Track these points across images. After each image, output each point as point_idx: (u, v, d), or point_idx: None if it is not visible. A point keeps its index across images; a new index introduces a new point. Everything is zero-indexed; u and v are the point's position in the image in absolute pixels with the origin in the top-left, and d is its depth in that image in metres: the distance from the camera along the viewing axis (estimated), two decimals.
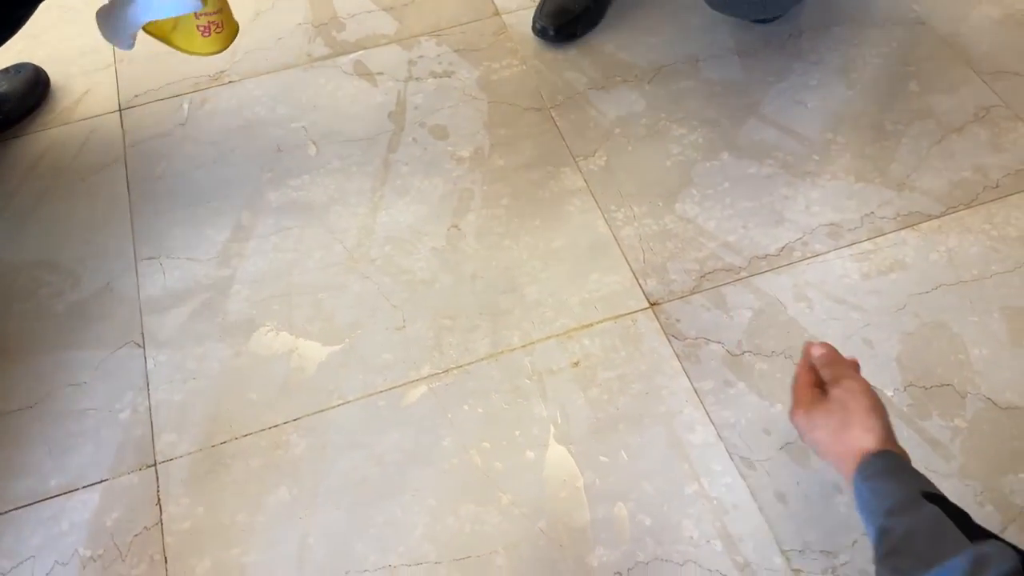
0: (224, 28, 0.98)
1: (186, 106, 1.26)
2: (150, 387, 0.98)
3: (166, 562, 0.86)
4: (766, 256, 1.04)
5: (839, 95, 1.19)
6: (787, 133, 1.16)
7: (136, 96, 1.28)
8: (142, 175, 1.17)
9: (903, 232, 1.05)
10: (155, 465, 0.93)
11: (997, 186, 1.08)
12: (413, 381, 0.97)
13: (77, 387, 0.99)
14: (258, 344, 1.01)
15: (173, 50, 1.00)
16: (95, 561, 0.86)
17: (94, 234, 1.11)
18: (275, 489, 0.90)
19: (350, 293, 1.05)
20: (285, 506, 0.89)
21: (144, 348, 1.01)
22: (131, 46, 0.97)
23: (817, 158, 1.13)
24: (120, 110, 1.26)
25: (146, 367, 1.00)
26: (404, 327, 1.02)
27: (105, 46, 1.33)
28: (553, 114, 1.21)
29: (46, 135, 1.23)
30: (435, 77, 1.28)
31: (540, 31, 1.29)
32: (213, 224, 1.11)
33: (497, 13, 1.35)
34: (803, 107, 1.18)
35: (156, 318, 1.03)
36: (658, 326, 1.00)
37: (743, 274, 1.03)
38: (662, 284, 1.03)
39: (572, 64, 1.27)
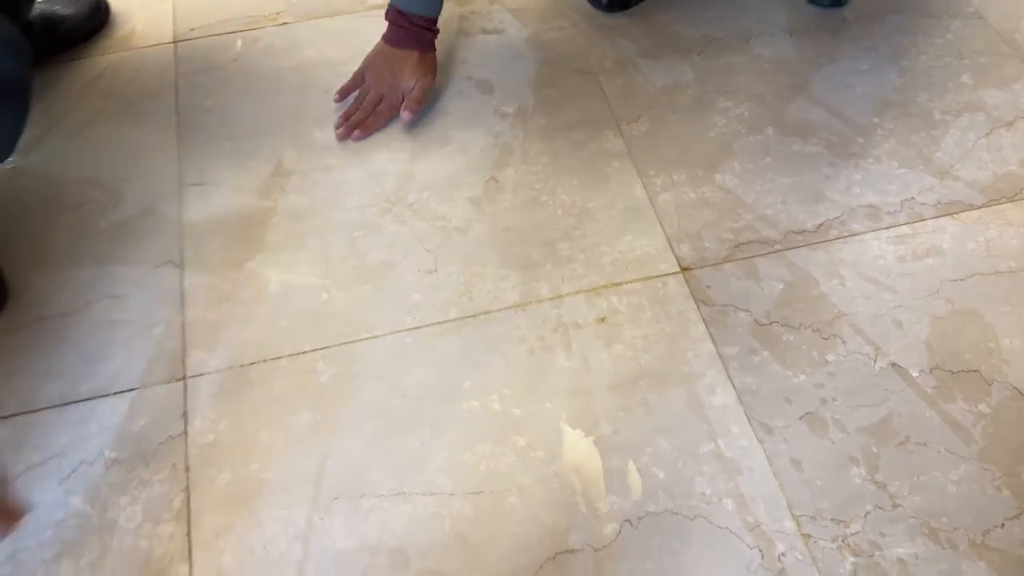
0: None
1: (239, 43, 1.28)
2: (185, 305, 1.00)
3: (188, 471, 0.89)
4: (803, 232, 1.04)
5: (889, 82, 1.18)
6: (834, 114, 1.15)
7: (192, 29, 1.30)
8: (192, 105, 1.19)
9: (942, 220, 1.04)
10: (184, 379, 0.95)
11: None
12: (440, 323, 0.98)
13: (114, 299, 1.01)
14: (292, 274, 1.02)
15: None
16: (119, 464, 0.89)
17: (141, 157, 1.14)
18: (298, 412, 0.92)
19: (385, 234, 1.06)
20: (307, 429, 0.91)
21: (182, 268, 1.03)
22: None
23: (862, 141, 1.12)
24: (175, 42, 1.28)
25: (182, 286, 1.02)
26: (436, 271, 1.03)
27: None
28: (600, 78, 1.22)
29: (102, 59, 1.25)
30: (485, 33, 1.28)
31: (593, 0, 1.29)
32: (257, 157, 1.13)
33: None
34: (852, 90, 1.18)
35: (195, 241, 1.06)
36: (688, 291, 1.00)
37: (777, 247, 1.03)
38: (695, 251, 1.03)
39: (623, 31, 1.27)
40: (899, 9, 1.27)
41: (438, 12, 1.12)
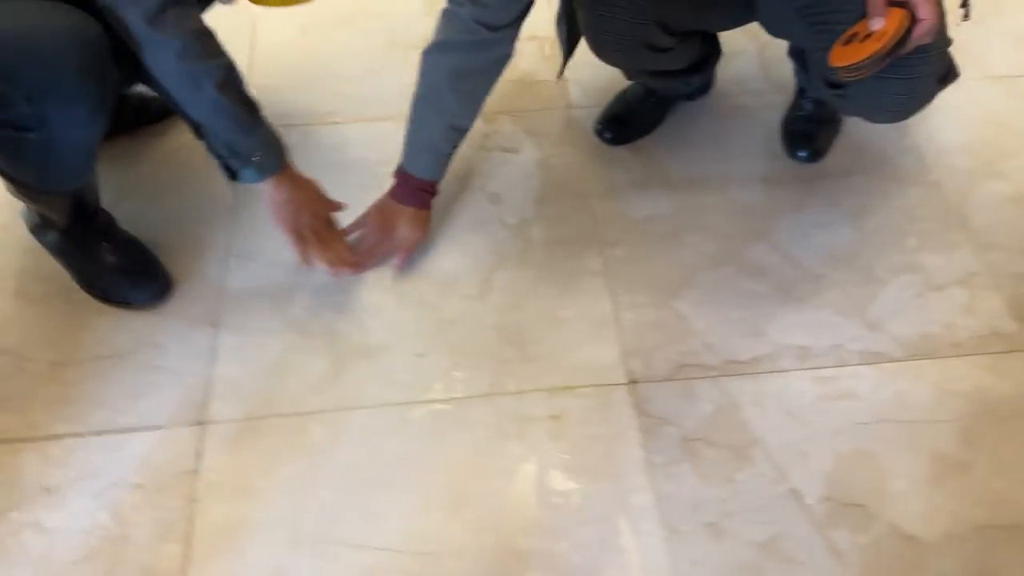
0: None
1: (295, 135, 1.51)
2: (216, 361, 1.21)
3: (193, 502, 1.08)
4: (739, 362, 1.21)
5: (843, 237, 1.35)
6: (788, 261, 1.32)
7: None
8: (246, 187, 1.42)
9: (864, 367, 1.20)
10: (204, 424, 1.15)
11: (960, 345, 1.22)
12: (420, 401, 1.17)
13: (158, 348, 1.23)
14: (303, 345, 1.23)
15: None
16: (141, 489, 1.09)
17: (200, 226, 1.36)
18: (290, 464, 1.12)
19: (387, 316, 1.26)
20: (295, 480, 1.10)
21: (217, 329, 1.25)
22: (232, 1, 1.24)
23: (808, 287, 1.29)
24: None
25: (216, 344, 1.23)
26: (424, 355, 1.22)
27: (245, 63, 1.60)
28: (593, 202, 1.41)
29: (180, 137, 1.49)
30: (503, 151, 1.49)
31: (598, 132, 1.49)
32: None
33: (570, 106, 1.56)
34: (808, 240, 1.35)
35: (232, 305, 1.27)
36: (631, 401, 1.17)
37: (714, 373, 1.20)
38: (644, 366, 1.21)
39: (621, 162, 1.47)
40: (866, 171, 1.44)
41: (439, 178, 1.29)
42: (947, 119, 1.52)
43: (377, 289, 1.30)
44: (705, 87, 1.54)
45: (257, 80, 1.59)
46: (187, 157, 1.46)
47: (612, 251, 1.34)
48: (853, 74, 0.99)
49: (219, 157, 1.16)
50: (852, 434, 1.14)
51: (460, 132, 1.27)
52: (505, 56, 1.22)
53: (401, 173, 1.30)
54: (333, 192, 1.39)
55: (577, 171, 1.46)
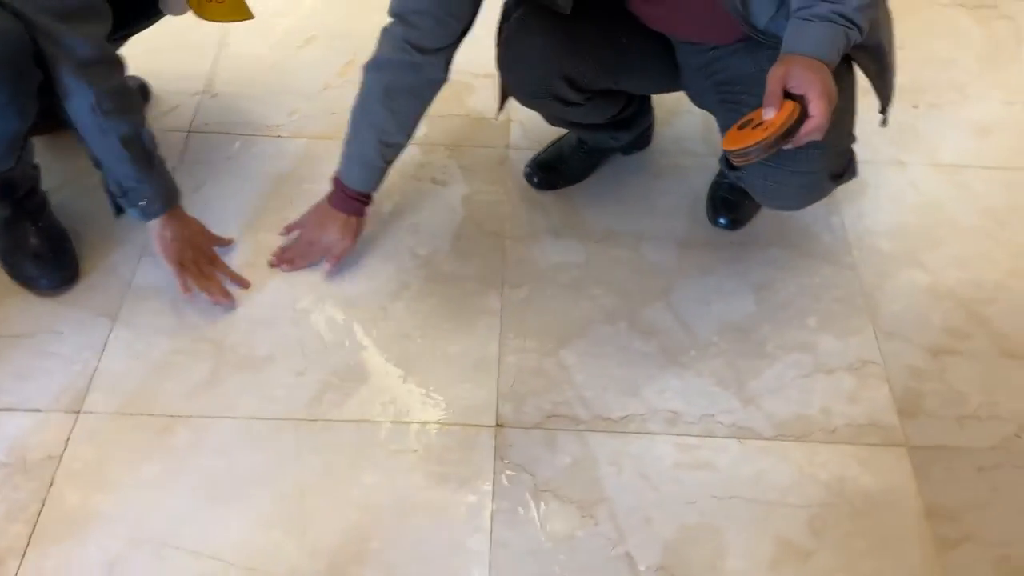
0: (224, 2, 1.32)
1: (237, 144, 1.56)
2: (104, 354, 1.26)
3: (51, 486, 1.12)
4: (608, 419, 1.22)
5: (742, 308, 1.35)
6: (681, 324, 1.33)
7: (206, 124, 1.59)
8: (185, 188, 1.47)
9: (729, 441, 1.20)
10: (79, 413, 1.19)
11: (833, 432, 1.21)
12: (288, 419, 1.20)
13: (56, 334, 1.27)
14: (191, 349, 1.26)
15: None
16: (3, 467, 1.13)
17: (122, 223, 1.41)
18: (150, 464, 1.15)
19: (278, 331, 1.29)
20: (150, 479, 1.14)
21: (114, 323, 1.29)
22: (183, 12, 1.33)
23: (694, 353, 1.29)
24: (189, 132, 1.57)
25: (109, 337, 1.27)
26: (303, 374, 1.25)
27: (200, 74, 1.66)
28: (507, 243, 1.43)
29: None
30: (433, 183, 1.52)
31: (527, 175, 1.51)
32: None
33: (508, 146, 1.59)
34: (707, 307, 1.35)
35: (133, 302, 1.31)
36: (493, 444, 1.19)
37: (582, 427, 1.21)
38: (515, 411, 1.22)
39: (543, 207, 1.49)
40: (785, 244, 1.44)
41: (371, 189, 1.32)
42: (881, 200, 1.52)
43: (274, 305, 1.33)
44: (639, 144, 1.55)
45: (217, 87, 1.65)
46: None
47: (514, 293, 1.36)
48: (740, 159, 1.00)
49: (109, 193, 1.24)
50: (702, 506, 1.13)
51: (392, 148, 1.29)
52: (436, 81, 1.23)
53: (337, 181, 1.33)
54: (254, 203, 1.44)
55: (498, 211, 1.48)
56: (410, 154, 1.51)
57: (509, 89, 1.28)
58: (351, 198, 1.32)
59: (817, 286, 1.39)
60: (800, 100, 0.96)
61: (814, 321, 1.34)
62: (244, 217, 1.43)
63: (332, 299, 1.34)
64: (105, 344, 1.27)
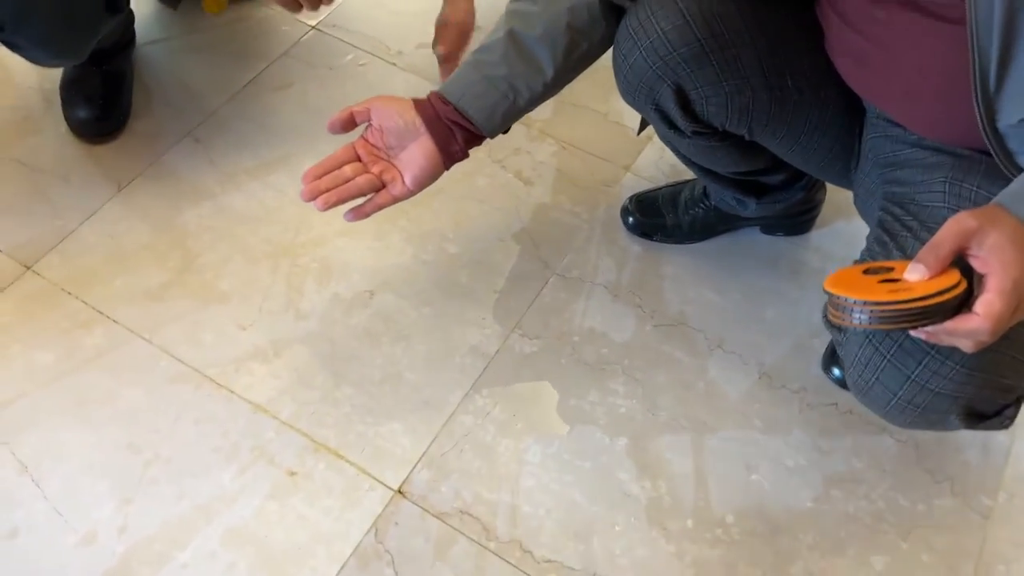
0: None
1: (349, 57, 1.39)
2: (88, 220, 1.16)
3: None
4: (528, 553, 0.92)
5: (795, 498, 0.96)
6: (697, 480, 0.97)
7: (333, 25, 1.43)
8: (273, 78, 1.34)
9: None
10: (28, 268, 1.11)
11: None
12: (194, 370, 1.03)
13: (63, 181, 1.20)
14: (161, 252, 1.14)
15: None
16: None
17: (183, 97, 1.31)
18: (45, 351, 1.04)
19: (252, 272, 1.12)
20: (35, 367, 1.03)
21: (119, 193, 1.19)
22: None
23: (690, 525, 0.94)
24: (312, 28, 1.43)
25: (103, 207, 1.18)
26: (246, 329, 1.07)
27: None
28: (551, 279, 1.14)
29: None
30: (516, 176, 1.25)
31: (623, 211, 1.19)
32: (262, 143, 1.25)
33: (628, 168, 1.27)
34: (746, 477, 0.98)
35: (146, 180, 1.21)
36: (378, 510, 0.94)
37: (491, 547, 0.92)
38: (427, 486, 0.96)
39: (620, 254, 1.17)
40: (901, 436, 1.01)
41: (483, 125, 0.84)
42: None
43: (269, 240, 1.16)
44: (787, 226, 1.17)
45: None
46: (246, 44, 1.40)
47: (520, 344, 1.08)
48: (837, 315, 0.63)
49: None
50: None
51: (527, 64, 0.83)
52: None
53: (434, 94, 0.85)
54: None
55: (566, 238, 1.19)
56: (514, 132, 1.25)
57: (615, 72, 0.88)
58: (451, 123, 0.83)
59: (918, 516, 0.95)
60: (972, 279, 0.58)
61: (881, 563, 0.92)
62: (309, 136, 1.26)
63: (324, 259, 1.14)
64: (96, 211, 1.18)
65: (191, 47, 1.38)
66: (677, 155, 1.04)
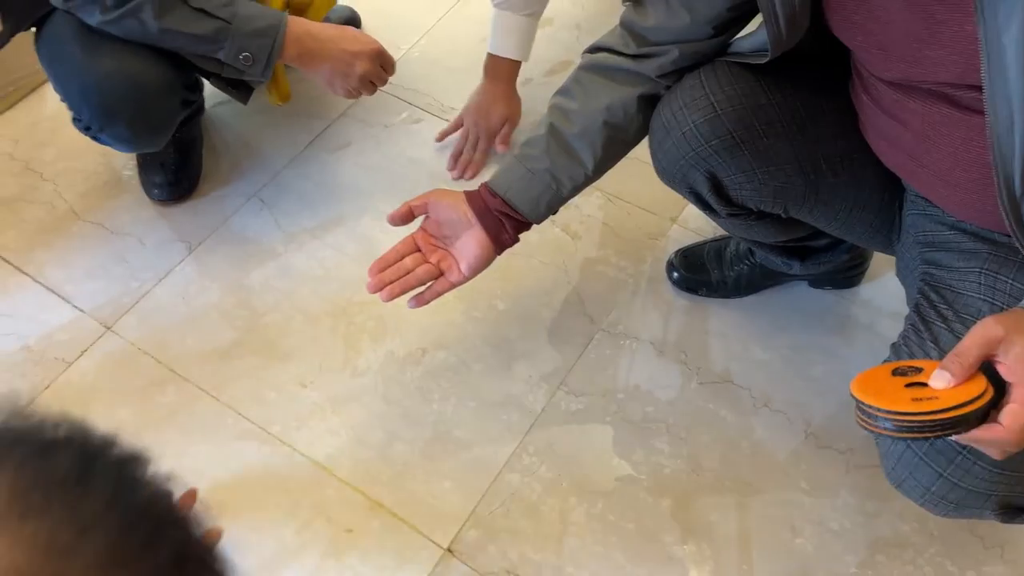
0: (276, 89, 1.24)
1: (404, 115, 1.44)
2: (163, 281, 1.24)
3: (46, 389, 1.14)
4: None
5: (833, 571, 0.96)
6: (740, 539, 0.98)
7: (391, 82, 1.49)
8: (331, 137, 1.40)
9: None
10: (108, 329, 1.20)
11: None
12: (257, 427, 1.10)
13: (139, 244, 1.29)
14: (230, 311, 1.21)
15: None
16: (27, 351, 1.17)
17: (250, 163, 1.38)
18: (126, 407, 1.12)
19: (314, 332, 1.18)
20: (115, 422, 1.10)
21: (189, 255, 1.27)
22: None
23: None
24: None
25: (176, 268, 1.26)
26: (306, 387, 1.13)
27: (418, 28, 1.56)
28: (596, 336, 1.17)
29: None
30: (564, 231, 1.29)
31: (668, 266, 1.21)
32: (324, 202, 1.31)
33: (675, 220, 1.29)
34: (790, 541, 0.98)
35: (216, 241, 1.28)
36: (429, 569, 0.98)
37: None
38: (476, 546, 1.00)
39: (666, 310, 1.19)
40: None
41: (524, 209, 0.89)
42: None
43: (324, 298, 1.22)
44: (836, 280, 1.17)
45: (422, 46, 1.54)
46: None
47: (565, 401, 1.11)
48: (863, 419, 0.64)
49: (223, 81, 1.14)
50: None
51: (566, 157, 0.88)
52: (641, 96, 0.85)
53: (484, 186, 0.91)
54: (382, 185, 1.33)
55: (612, 292, 1.21)
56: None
57: (651, 153, 0.91)
58: (501, 214, 0.89)
59: None
60: (999, 385, 0.59)
61: None
62: (366, 194, 1.33)
63: (379, 317, 1.19)
64: (169, 272, 1.26)
65: (255, 109, 1.45)
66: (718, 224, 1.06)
